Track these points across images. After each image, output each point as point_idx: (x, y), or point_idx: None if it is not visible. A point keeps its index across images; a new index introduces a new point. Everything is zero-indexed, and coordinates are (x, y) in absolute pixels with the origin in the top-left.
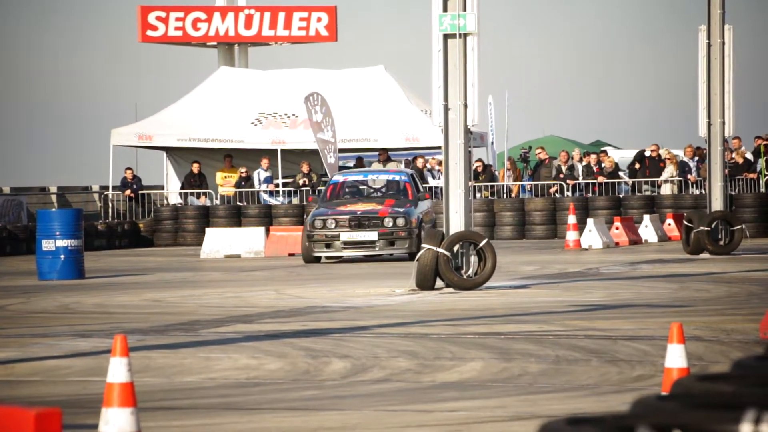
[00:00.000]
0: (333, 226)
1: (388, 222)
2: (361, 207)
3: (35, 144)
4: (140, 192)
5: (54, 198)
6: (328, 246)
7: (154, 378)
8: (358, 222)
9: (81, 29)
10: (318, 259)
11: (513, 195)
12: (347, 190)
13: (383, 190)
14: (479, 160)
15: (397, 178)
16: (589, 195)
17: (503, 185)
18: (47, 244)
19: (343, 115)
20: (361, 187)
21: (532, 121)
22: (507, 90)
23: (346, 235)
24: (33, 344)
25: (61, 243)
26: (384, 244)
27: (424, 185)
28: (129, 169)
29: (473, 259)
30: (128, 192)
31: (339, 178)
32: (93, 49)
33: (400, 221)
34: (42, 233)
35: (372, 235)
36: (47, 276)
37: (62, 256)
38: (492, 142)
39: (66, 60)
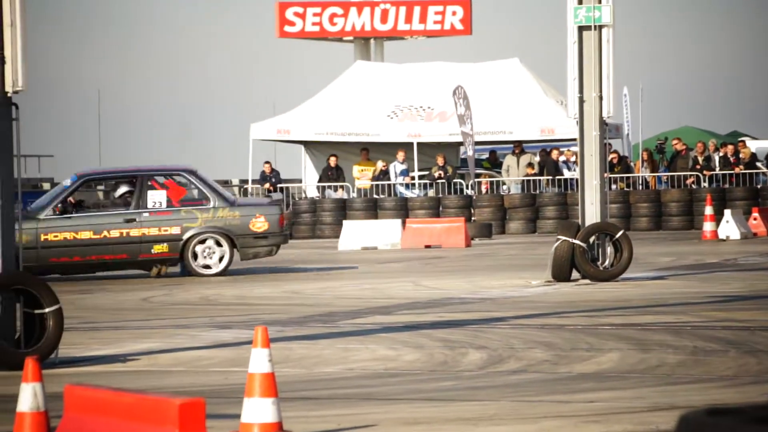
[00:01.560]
0: None
1: None
2: None
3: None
4: (278, 185)
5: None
6: None
7: (294, 369)
8: None
9: (222, 26)
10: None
11: (650, 187)
12: None
13: None
14: (615, 151)
15: None
16: (726, 186)
17: (639, 176)
18: None
19: (478, 108)
20: None
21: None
22: (641, 81)
23: None
24: (176, 335)
25: None
26: None
27: (559, 177)
28: (267, 162)
29: (609, 250)
30: (267, 185)
31: None
32: (233, 45)
33: None
34: None
35: None
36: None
37: None
38: (627, 134)
39: (208, 57)
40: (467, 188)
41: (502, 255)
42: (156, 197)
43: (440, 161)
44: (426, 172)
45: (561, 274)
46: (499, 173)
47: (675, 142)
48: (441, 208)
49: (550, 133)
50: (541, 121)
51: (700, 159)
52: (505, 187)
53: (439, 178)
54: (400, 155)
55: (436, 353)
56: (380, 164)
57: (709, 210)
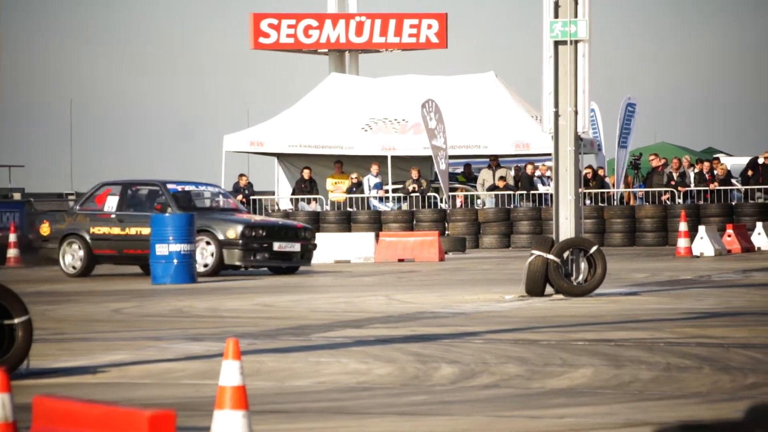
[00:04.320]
0: None
1: None
2: None
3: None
4: (251, 197)
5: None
6: None
7: (265, 382)
8: None
9: (195, 37)
10: None
11: (625, 202)
12: None
13: None
14: (589, 166)
15: None
16: (701, 202)
17: (614, 192)
18: (161, 249)
19: (452, 122)
20: None
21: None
22: (621, 95)
23: None
24: (146, 347)
25: (175, 247)
26: None
27: (534, 191)
28: (243, 175)
29: (583, 265)
30: (240, 197)
31: None
32: (207, 56)
33: None
34: (156, 238)
35: None
36: (160, 280)
37: (175, 261)
38: (600, 148)
39: (182, 67)
40: (441, 202)
41: (476, 269)
42: None
43: (414, 174)
44: (400, 186)
45: (535, 289)
46: (474, 187)
47: (652, 157)
48: (415, 222)
49: (525, 148)
50: (516, 135)
51: (675, 175)
52: (479, 201)
53: (413, 191)
54: (374, 168)
55: (408, 367)
56: (354, 177)
57: (683, 226)
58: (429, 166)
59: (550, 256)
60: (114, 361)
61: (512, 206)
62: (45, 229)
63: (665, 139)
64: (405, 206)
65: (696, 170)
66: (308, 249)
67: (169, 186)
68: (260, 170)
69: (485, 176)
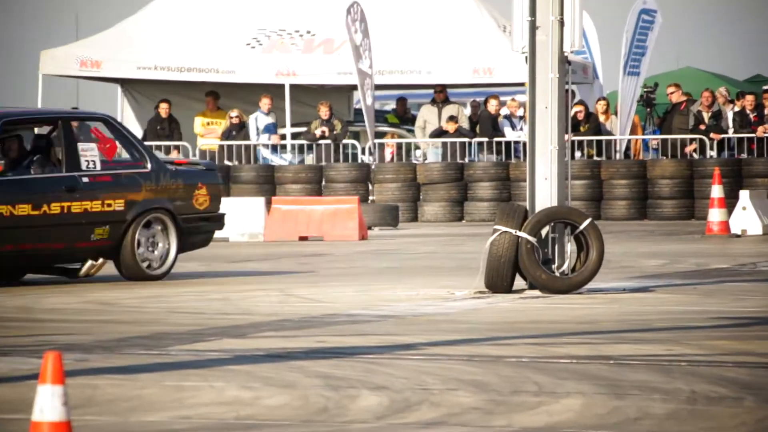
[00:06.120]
0: None
1: None
2: None
3: None
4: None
5: None
6: None
7: (101, 416)
8: None
9: None
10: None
11: (632, 155)
12: None
13: None
14: (580, 102)
15: None
16: (744, 156)
17: (615, 140)
18: None
19: (382, 36)
20: None
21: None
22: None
23: None
24: None
25: None
26: None
27: (499, 139)
28: (74, 108)
29: (570, 247)
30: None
31: None
32: None
33: None
34: None
35: None
36: None
37: None
38: (596, 75)
39: None
40: (363, 153)
41: (413, 252)
42: (88, 153)
43: (324, 113)
44: (303, 129)
45: (499, 282)
46: (411, 132)
47: (671, 90)
48: (324, 183)
49: (486, 75)
50: (473, 57)
51: (705, 116)
52: (418, 152)
53: (322, 137)
54: (265, 103)
55: (312, 395)
56: (234, 116)
57: (717, 191)
58: (345, 101)
59: (522, 234)
60: None
61: (467, 160)
62: None
63: (692, 64)
64: (310, 159)
65: (737, 108)
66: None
67: None
68: (96, 103)
69: (427, 116)
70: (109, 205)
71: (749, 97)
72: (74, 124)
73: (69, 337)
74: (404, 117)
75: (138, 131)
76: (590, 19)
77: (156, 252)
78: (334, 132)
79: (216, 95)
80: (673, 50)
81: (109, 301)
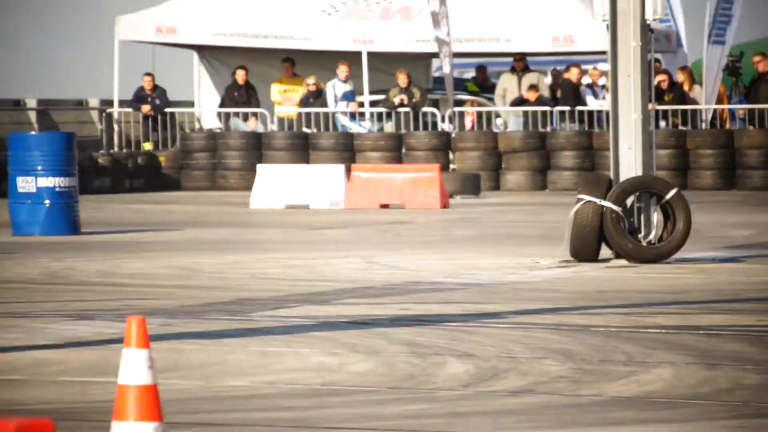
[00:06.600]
0: None
1: None
2: None
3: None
4: (165, 110)
5: (33, 116)
6: None
7: (187, 380)
8: None
9: None
10: None
11: (718, 125)
12: None
13: None
14: (664, 71)
15: None
16: None
17: (701, 109)
18: (24, 183)
19: (461, 4)
20: None
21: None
22: None
23: None
24: (9, 328)
25: (45, 182)
26: None
27: (581, 108)
28: (149, 75)
29: (656, 217)
30: (147, 108)
31: None
32: None
33: None
34: (16, 167)
35: None
36: (26, 230)
37: (47, 202)
38: (680, 44)
39: None
40: (443, 122)
41: (496, 221)
42: None
43: (402, 81)
44: (382, 97)
45: (584, 251)
46: (492, 100)
47: (757, 59)
48: (404, 151)
49: (567, 44)
50: (554, 25)
51: None
52: (499, 121)
53: (401, 105)
54: (342, 70)
55: (398, 363)
56: (311, 83)
57: None
58: (424, 69)
59: (607, 204)
60: None
61: (548, 129)
62: None
63: None
64: (389, 127)
65: None
66: None
67: None
68: (172, 71)
69: (507, 84)
70: None
71: None
72: None
73: (152, 302)
74: (484, 85)
75: (215, 98)
76: None
77: None
78: (413, 100)
79: (292, 62)
80: (759, 20)
81: (191, 267)
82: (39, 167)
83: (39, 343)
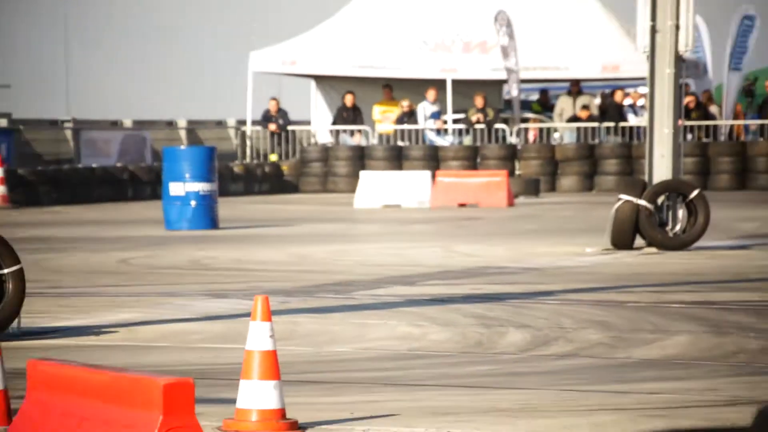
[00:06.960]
0: None
1: None
2: None
3: (161, 70)
4: (288, 127)
5: (183, 134)
6: None
7: (301, 347)
8: None
9: None
10: None
11: (735, 137)
12: None
13: None
14: (692, 93)
15: None
16: None
17: (721, 125)
18: (175, 188)
19: (527, 38)
20: None
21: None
22: (733, 7)
23: None
24: (159, 304)
25: (192, 187)
26: None
27: (623, 124)
28: (274, 99)
29: (682, 213)
30: (273, 127)
31: None
32: None
33: None
34: (169, 175)
35: None
36: (176, 225)
37: (193, 203)
38: (706, 71)
39: None
40: (511, 136)
41: (552, 217)
42: None
43: (479, 102)
44: (462, 116)
45: (622, 241)
46: (551, 118)
47: None
48: (479, 160)
49: (614, 71)
50: (602, 55)
51: None
52: (557, 135)
53: (478, 122)
54: (431, 94)
55: (469, 332)
56: (406, 104)
57: None
58: (497, 93)
59: (642, 202)
60: (121, 320)
61: (596, 141)
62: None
63: None
64: (467, 140)
65: None
66: None
67: None
68: (294, 95)
69: (564, 105)
70: None
71: None
72: None
73: (273, 284)
74: (545, 106)
75: (328, 117)
76: (703, 22)
77: None
78: (488, 118)
79: (390, 88)
80: None
81: (305, 255)
82: (187, 175)
83: (183, 317)
